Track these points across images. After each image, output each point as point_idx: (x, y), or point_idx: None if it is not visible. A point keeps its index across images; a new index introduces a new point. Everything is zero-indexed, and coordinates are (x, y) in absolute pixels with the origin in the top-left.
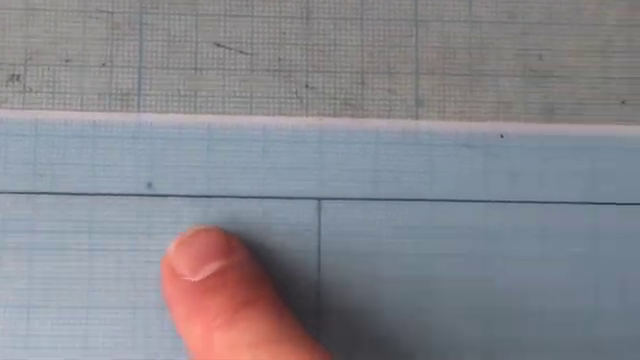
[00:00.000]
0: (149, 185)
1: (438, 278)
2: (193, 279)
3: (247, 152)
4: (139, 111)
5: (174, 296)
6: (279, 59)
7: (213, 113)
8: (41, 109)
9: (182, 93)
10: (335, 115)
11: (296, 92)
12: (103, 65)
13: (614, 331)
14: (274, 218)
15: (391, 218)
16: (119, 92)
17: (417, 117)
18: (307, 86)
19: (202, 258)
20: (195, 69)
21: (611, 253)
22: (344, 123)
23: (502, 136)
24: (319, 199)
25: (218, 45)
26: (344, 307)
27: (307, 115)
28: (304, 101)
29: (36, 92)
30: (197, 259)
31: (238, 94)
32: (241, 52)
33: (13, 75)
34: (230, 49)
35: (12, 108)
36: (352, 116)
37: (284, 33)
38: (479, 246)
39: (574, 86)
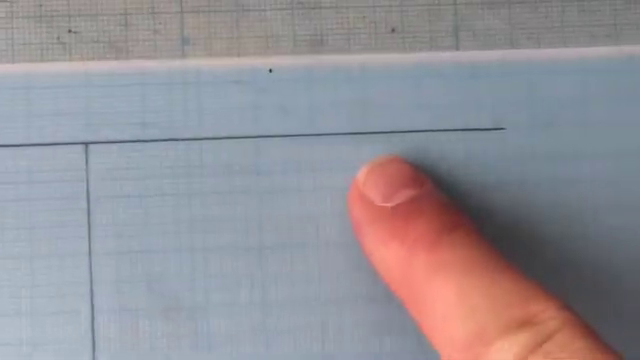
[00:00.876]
0: None
1: (212, 216)
2: (386, 205)
3: (10, 100)
4: None
5: (365, 221)
6: (40, 5)
7: None
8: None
9: None
10: (99, 58)
11: (58, 37)
12: None
13: None
14: (40, 166)
15: (161, 159)
16: None
17: (183, 56)
18: (70, 31)
19: (395, 185)
20: None
21: None
22: (109, 66)
23: (271, 70)
24: (86, 143)
25: None
26: (116, 251)
27: (71, 60)
28: (67, 46)
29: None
30: (390, 186)
31: None
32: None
33: None
34: None
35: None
36: (117, 59)
37: None
38: (251, 182)
39: (343, 16)
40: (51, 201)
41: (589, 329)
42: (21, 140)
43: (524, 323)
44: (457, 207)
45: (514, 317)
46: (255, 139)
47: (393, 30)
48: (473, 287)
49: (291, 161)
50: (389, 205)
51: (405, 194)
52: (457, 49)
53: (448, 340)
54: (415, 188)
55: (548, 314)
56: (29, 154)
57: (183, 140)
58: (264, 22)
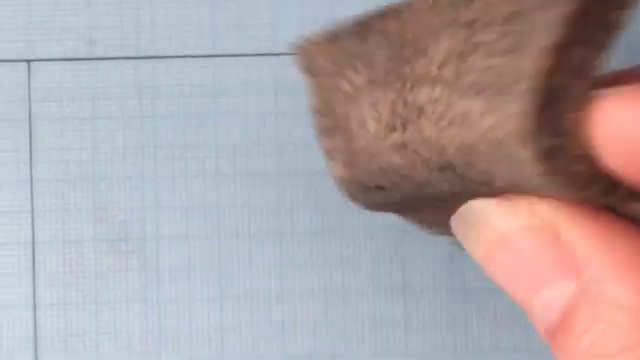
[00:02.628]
0: None
1: (164, 141)
2: None
3: None
4: None
5: None
6: None
7: None
8: None
9: None
10: None
11: None
12: None
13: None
14: None
15: (110, 79)
16: None
17: None
18: None
19: None
20: None
21: None
22: None
23: None
24: (28, 61)
25: None
26: (59, 177)
27: None
28: None
29: None
30: None
31: None
32: None
33: None
34: None
35: None
36: None
37: None
38: (208, 105)
39: None
40: None
41: None
42: None
43: None
44: None
45: None
46: (213, 58)
47: None
48: None
49: (251, 83)
50: None
51: None
52: None
53: None
54: None
55: None
56: None
57: (134, 59)
58: None
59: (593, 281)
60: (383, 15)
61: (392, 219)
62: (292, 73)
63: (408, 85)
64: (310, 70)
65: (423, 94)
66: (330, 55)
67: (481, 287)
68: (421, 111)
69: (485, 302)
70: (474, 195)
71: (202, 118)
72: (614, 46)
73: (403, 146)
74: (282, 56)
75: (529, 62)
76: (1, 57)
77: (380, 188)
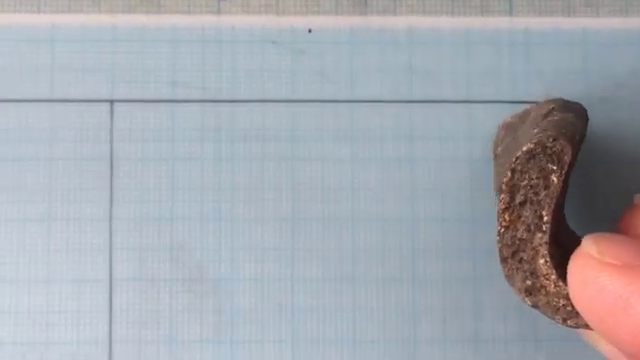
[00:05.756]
0: None
1: (242, 183)
2: None
3: (34, 53)
4: None
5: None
6: None
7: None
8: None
9: None
10: (129, 11)
11: None
12: None
13: (432, 239)
14: (64, 122)
15: (191, 121)
16: None
17: (219, 12)
18: None
19: None
20: None
21: (425, 154)
22: (139, 20)
23: (310, 31)
24: (111, 101)
25: None
26: (138, 216)
27: (99, 12)
28: None
29: None
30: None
31: None
32: None
33: None
34: None
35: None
36: (148, 12)
37: None
38: (286, 147)
39: None
40: (72, 161)
41: None
42: (44, 95)
43: None
44: None
45: None
46: (291, 103)
47: None
48: None
49: (328, 129)
50: None
51: None
52: (510, 14)
53: None
54: None
55: None
56: (52, 110)
57: (215, 102)
58: None
59: None
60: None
61: None
62: (366, 120)
63: None
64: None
65: None
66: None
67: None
68: None
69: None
70: None
71: (279, 162)
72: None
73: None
74: (358, 103)
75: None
76: (85, 97)
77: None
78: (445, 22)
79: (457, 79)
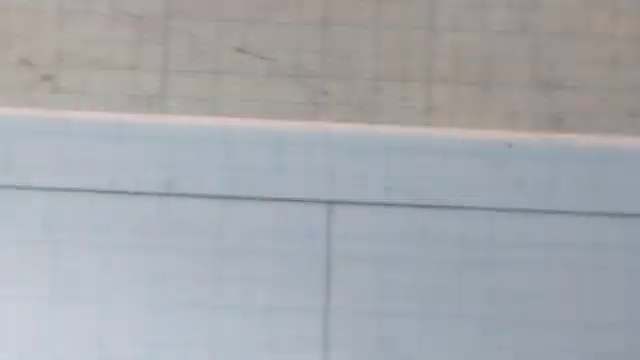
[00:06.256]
0: (169, 184)
1: (444, 284)
2: None
3: (262, 154)
4: (162, 113)
5: None
6: (297, 65)
7: (232, 116)
8: (71, 109)
9: (204, 96)
10: (348, 120)
11: (312, 97)
12: (130, 68)
13: (618, 343)
14: (285, 220)
15: (402, 224)
16: (144, 94)
17: (428, 124)
18: (323, 92)
19: None
20: (217, 73)
21: (617, 264)
22: (357, 129)
23: (510, 145)
24: (330, 202)
25: (239, 50)
26: (352, 310)
27: (321, 120)
28: (319, 106)
29: (67, 92)
30: None
31: (256, 98)
32: (261, 57)
33: (45, 75)
34: (250, 54)
35: (43, 107)
36: (365, 122)
37: (302, 40)
38: (484, 253)
39: (583, 97)
40: (292, 256)
41: None
42: (270, 194)
43: None
44: None
45: None
46: (490, 211)
47: (632, 114)
48: None
49: (526, 236)
50: None
51: None
52: None
53: None
54: None
55: None
56: (275, 208)
57: (423, 207)
58: (507, 97)
59: None
60: None
61: None
62: (567, 230)
63: None
64: None
65: None
66: None
67: None
68: None
69: None
70: None
71: (479, 266)
72: None
73: None
74: (551, 213)
75: None
76: (307, 197)
77: None
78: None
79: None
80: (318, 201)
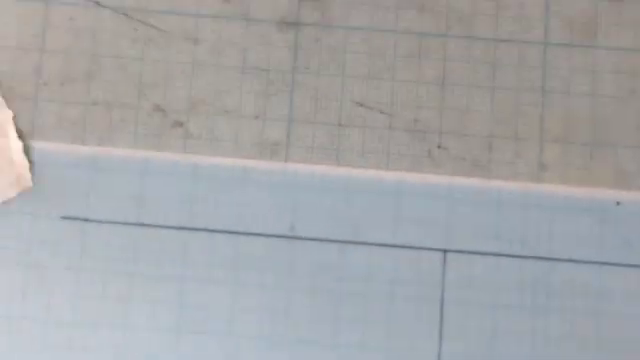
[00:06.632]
0: (292, 228)
1: (551, 333)
2: None
3: (381, 203)
4: (286, 160)
5: None
6: (415, 120)
7: (353, 166)
8: (200, 154)
9: (326, 146)
10: (463, 174)
11: (429, 151)
12: (257, 117)
13: None
14: (402, 265)
15: (511, 273)
16: (269, 142)
17: (540, 180)
18: (439, 146)
19: None
20: (339, 125)
21: None
22: (471, 182)
23: (618, 203)
24: (445, 251)
25: (360, 104)
26: (463, 354)
27: (438, 173)
28: (436, 160)
29: (196, 138)
30: None
31: (376, 150)
32: (381, 112)
33: (177, 122)
34: (371, 109)
35: (175, 151)
36: (479, 176)
37: (421, 97)
38: (591, 304)
39: None
40: (408, 301)
41: None
42: (388, 240)
43: None
44: None
45: None
46: (598, 265)
47: None
48: None
49: (634, 290)
50: None
51: None
52: None
53: None
54: None
55: None
56: (394, 254)
57: (533, 258)
58: (616, 157)
59: None
60: None
61: None
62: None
63: None
64: None
65: None
66: None
67: None
68: None
69: None
70: None
71: (587, 316)
72: None
73: None
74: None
75: None
76: (423, 245)
77: None
78: None
79: None
80: (434, 249)
